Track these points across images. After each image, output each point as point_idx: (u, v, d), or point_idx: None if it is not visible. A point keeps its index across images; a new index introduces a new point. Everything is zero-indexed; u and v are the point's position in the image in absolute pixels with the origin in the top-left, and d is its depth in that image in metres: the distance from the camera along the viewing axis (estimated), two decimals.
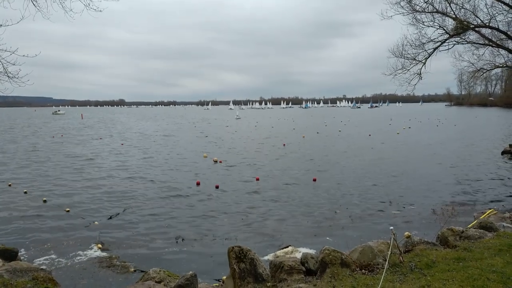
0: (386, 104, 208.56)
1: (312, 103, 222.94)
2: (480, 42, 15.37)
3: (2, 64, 6.70)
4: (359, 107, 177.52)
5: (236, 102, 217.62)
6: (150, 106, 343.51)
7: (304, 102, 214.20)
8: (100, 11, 7.19)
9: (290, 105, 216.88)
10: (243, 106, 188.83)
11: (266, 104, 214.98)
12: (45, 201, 13.33)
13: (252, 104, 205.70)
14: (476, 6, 14.44)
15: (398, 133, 39.34)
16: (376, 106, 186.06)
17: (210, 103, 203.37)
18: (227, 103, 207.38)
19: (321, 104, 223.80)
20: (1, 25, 6.38)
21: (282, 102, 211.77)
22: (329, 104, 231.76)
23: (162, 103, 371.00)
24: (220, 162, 21.64)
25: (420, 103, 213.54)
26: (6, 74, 6.79)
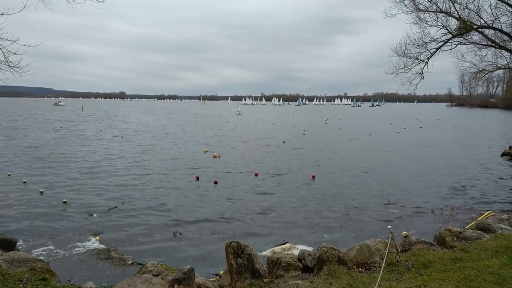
0: (382, 103, 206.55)
1: (307, 100, 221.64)
2: (483, 43, 15.33)
3: (3, 53, 6.67)
4: (360, 106, 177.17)
5: (236, 98, 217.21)
6: (154, 99, 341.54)
7: (300, 99, 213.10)
8: (103, 1, 7.13)
9: (288, 102, 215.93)
10: (229, 102, 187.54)
11: (261, 100, 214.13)
12: (41, 192, 13.32)
13: (245, 100, 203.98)
14: (480, 7, 14.41)
15: (398, 132, 39.34)
16: (378, 105, 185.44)
17: (229, 98, 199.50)
18: (227, 98, 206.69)
19: (315, 101, 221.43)
20: (3, 14, 6.34)
21: (275, 98, 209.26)
22: (333, 102, 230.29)
23: (163, 97, 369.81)
24: (219, 157, 21.64)
25: (415, 103, 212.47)
26: (7, 63, 6.75)
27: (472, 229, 7.46)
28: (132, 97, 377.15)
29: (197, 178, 15.92)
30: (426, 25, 15.01)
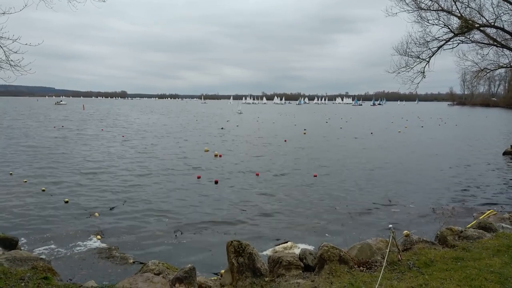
0: (384, 102, 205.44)
1: (308, 100, 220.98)
2: (485, 42, 15.26)
3: (4, 52, 6.67)
4: (361, 105, 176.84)
5: (237, 97, 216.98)
6: (155, 98, 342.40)
7: (301, 98, 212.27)
8: (104, 1, 7.13)
9: (289, 101, 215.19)
10: (231, 101, 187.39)
11: (261, 99, 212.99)
12: (43, 190, 13.36)
13: (245, 99, 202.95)
14: (481, 5, 14.33)
15: (399, 132, 39.28)
16: (379, 104, 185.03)
17: (231, 97, 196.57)
18: (229, 97, 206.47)
19: (316, 100, 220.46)
20: (4, 13, 6.35)
21: (276, 97, 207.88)
22: (334, 101, 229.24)
23: (164, 96, 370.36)
24: (220, 156, 21.65)
25: (416, 102, 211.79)
26: (8, 62, 6.76)
27: (474, 228, 7.44)
28: (133, 96, 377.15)
29: (198, 178, 15.94)
30: (428, 24, 14.96)
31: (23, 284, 5.14)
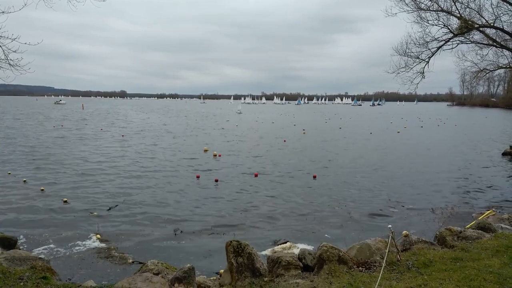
0: (383, 102, 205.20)
1: (307, 100, 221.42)
2: (484, 42, 15.27)
3: (3, 51, 6.66)
4: (360, 105, 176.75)
5: (237, 97, 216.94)
6: (154, 98, 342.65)
7: (300, 98, 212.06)
8: (104, 0, 7.12)
9: (288, 101, 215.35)
10: (232, 101, 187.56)
11: (261, 99, 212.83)
12: (42, 190, 13.35)
13: (245, 99, 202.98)
14: (481, 6, 14.33)
15: (398, 132, 39.30)
16: (378, 104, 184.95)
17: (232, 97, 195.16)
18: (229, 97, 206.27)
19: (315, 100, 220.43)
20: (3, 12, 6.34)
21: (276, 97, 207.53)
22: (333, 101, 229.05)
23: (163, 96, 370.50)
24: (219, 156, 21.64)
25: (415, 102, 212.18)
26: (7, 61, 6.75)
27: (473, 229, 7.45)
28: (133, 96, 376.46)
29: (198, 177, 15.93)
30: (427, 24, 14.95)
31: (22, 283, 5.14)
